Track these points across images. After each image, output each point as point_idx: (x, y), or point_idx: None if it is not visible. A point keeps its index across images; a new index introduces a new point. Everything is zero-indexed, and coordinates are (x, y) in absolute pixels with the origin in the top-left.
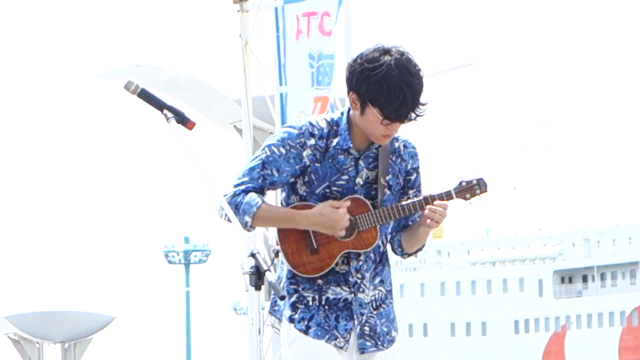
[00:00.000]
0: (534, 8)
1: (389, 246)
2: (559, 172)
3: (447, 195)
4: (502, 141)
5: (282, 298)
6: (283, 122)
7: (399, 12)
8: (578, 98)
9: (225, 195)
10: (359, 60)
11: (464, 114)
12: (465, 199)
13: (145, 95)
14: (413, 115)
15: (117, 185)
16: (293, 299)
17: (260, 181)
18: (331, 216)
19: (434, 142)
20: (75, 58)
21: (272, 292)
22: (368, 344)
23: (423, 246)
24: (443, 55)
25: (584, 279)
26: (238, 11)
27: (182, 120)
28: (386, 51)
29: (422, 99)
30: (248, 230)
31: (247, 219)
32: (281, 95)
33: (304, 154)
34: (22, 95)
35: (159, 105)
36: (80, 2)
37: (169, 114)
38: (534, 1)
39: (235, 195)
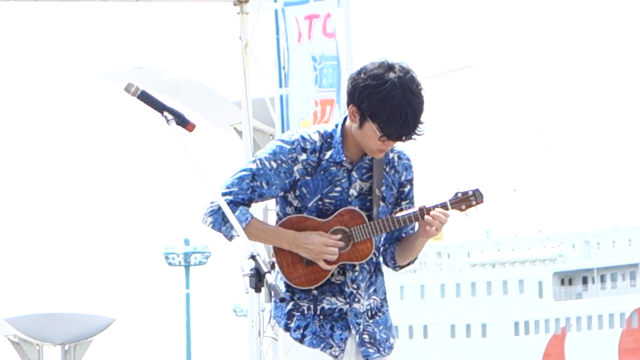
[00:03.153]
0: (533, 10)
1: (380, 258)
2: (558, 173)
3: (443, 206)
4: (502, 143)
5: (282, 300)
6: (283, 124)
7: (399, 14)
8: (577, 100)
9: (212, 203)
10: (362, 75)
11: (463, 116)
12: (461, 210)
13: (145, 97)
14: (414, 135)
15: (117, 187)
16: (289, 306)
17: (249, 192)
18: (317, 247)
19: (434, 144)
20: (75, 60)
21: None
22: (370, 350)
23: (415, 259)
24: (443, 58)
25: (584, 280)
26: (238, 13)
27: (182, 122)
28: (390, 67)
29: (422, 119)
30: (229, 241)
31: (234, 233)
32: (281, 97)
33: (295, 168)
34: (23, 97)
35: (159, 107)
36: (80, 5)
37: (169, 116)
38: (533, 3)
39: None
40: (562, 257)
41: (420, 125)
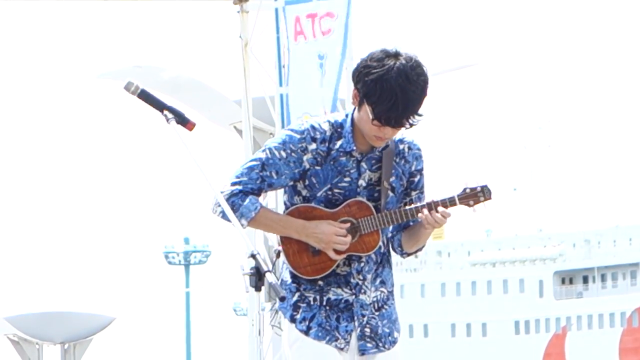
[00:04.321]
0: (534, 9)
1: (390, 246)
2: (559, 172)
3: (451, 202)
4: (503, 142)
5: (283, 299)
6: (283, 123)
7: (400, 12)
8: (578, 99)
9: (222, 192)
10: (366, 57)
11: (464, 115)
12: (469, 205)
13: (145, 96)
14: (405, 122)
15: (117, 186)
16: (295, 298)
17: (258, 182)
18: (327, 236)
19: (435, 143)
20: (75, 59)
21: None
22: (369, 345)
23: (423, 246)
24: (444, 56)
25: (585, 280)
26: (238, 12)
27: (182, 121)
28: (395, 55)
29: (416, 109)
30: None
31: (244, 222)
32: (281, 96)
33: (305, 158)
34: (23, 96)
35: (159, 106)
36: (80, 4)
37: (169, 115)
38: (534, 2)
39: (232, 194)
40: (562, 256)
41: (414, 116)
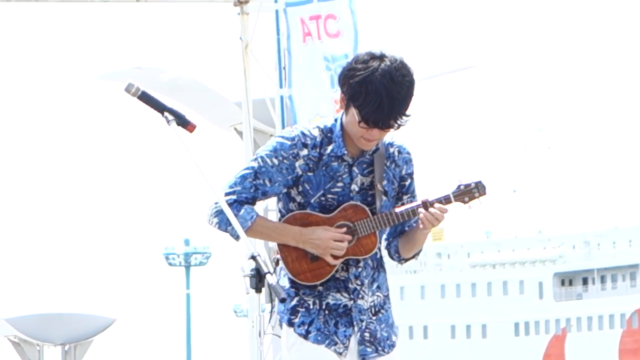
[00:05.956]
0: (533, 10)
1: (385, 252)
2: (559, 174)
3: (446, 200)
4: (502, 144)
5: (283, 300)
6: (283, 124)
7: (399, 14)
8: (578, 101)
9: (216, 204)
10: (351, 61)
11: (463, 117)
12: (464, 202)
13: (145, 98)
14: (393, 123)
15: (118, 188)
16: (294, 302)
17: (252, 191)
18: (324, 242)
19: (434, 145)
20: (76, 60)
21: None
22: (369, 349)
23: (420, 251)
24: (442, 58)
25: (584, 281)
26: (238, 14)
27: (183, 122)
28: (380, 57)
29: (403, 110)
30: (236, 240)
31: (240, 232)
32: (281, 97)
33: (297, 164)
34: (23, 97)
35: (160, 107)
36: (80, 5)
37: (170, 117)
38: (533, 4)
39: (227, 204)
40: (562, 257)
41: (402, 116)
